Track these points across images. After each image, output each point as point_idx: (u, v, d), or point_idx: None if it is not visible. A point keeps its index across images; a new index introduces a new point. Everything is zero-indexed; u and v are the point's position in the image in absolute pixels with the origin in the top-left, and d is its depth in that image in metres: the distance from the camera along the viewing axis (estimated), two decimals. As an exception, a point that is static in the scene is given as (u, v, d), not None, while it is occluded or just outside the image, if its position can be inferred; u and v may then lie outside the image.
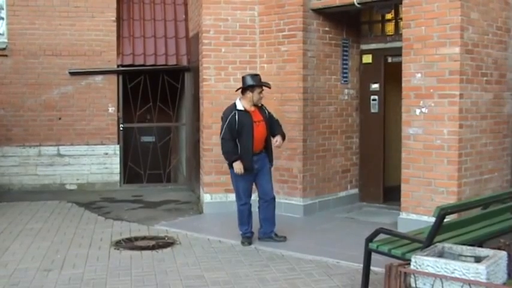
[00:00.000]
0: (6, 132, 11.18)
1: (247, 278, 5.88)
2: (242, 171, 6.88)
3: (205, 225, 8.20)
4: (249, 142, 6.92)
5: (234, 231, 7.28)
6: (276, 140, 7.13)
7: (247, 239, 7.09)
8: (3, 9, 11.41)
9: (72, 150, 11.24)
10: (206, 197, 8.94)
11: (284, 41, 8.68)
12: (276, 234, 7.17)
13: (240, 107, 6.99)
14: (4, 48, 11.18)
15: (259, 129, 6.99)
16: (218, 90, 8.87)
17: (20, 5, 11.20)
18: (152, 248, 7.01)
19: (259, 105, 7.12)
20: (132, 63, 11.52)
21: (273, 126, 7.18)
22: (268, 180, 7.14)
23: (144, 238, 7.53)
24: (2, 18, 11.46)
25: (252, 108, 7.04)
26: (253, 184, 7.13)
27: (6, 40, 11.24)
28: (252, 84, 6.99)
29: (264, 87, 7.11)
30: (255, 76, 7.16)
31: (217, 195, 8.87)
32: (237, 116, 6.90)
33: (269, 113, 7.23)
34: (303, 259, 6.48)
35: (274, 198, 7.19)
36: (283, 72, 8.71)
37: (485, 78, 7.40)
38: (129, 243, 7.27)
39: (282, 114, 8.52)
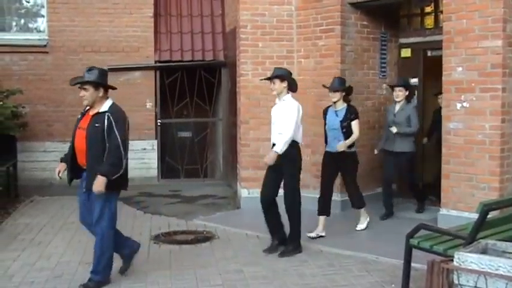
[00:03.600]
0: (48, 127, 11.38)
1: (286, 273, 5.88)
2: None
3: (243, 220, 8.23)
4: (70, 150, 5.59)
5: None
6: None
7: None
8: (43, 7, 11.61)
9: (110, 146, 11.36)
10: (243, 192, 8.97)
11: (321, 35, 8.63)
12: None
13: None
14: (45, 45, 11.38)
15: (79, 138, 5.49)
16: (255, 85, 8.87)
17: (60, 3, 11.38)
18: (191, 242, 7.07)
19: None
20: (170, 59, 11.61)
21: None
22: (92, 210, 5.46)
23: (182, 232, 7.60)
24: (43, 16, 11.67)
25: (90, 112, 5.53)
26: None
27: (46, 37, 11.44)
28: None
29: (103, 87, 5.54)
30: (104, 74, 5.68)
31: (255, 190, 8.83)
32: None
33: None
34: (341, 254, 6.46)
35: (100, 234, 5.46)
36: (321, 67, 8.66)
37: (528, 72, 7.24)
38: (168, 238, 7.34)
39: (319, 109, 8.45)
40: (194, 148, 11.97)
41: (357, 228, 7.50)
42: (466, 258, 3.96)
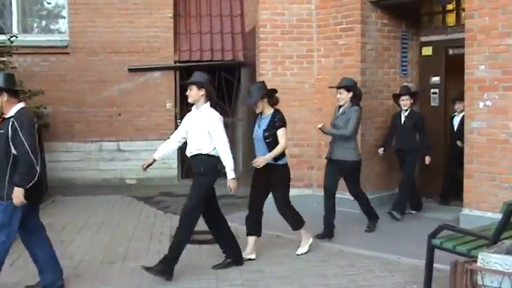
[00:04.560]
0: (69, 128, 11.48)
1: (306, 273, 5.86)
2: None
3: (264, 219, 8.16)
4: None
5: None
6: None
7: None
8: (64, 8, 11.72)
9: (131, 146, 11.46)
10: (264, 192, 8.93)
11: (342, 34, 8.59)
12: None
13: None
14: (66, 46, 11.48)
15: None
16: (275, 85, 8.79)
17: (81, 4, 11.47)
18: (211, 242, 7.03)
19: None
20: (189, 59, 11.65)
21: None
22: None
23: (203, 232, 7.55)
24: (64, 17, 11.78)
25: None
26: None
27: (67, 38, 11.55)
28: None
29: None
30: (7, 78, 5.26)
31: (275, 190, 8.84)
32: None
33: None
34: (362, 255, 6.41)
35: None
36: (341, 66, 8.62)
37: (552, 70, 7.13)
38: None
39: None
40: (214, 148, 11.96)
41: (297, 253, 6.50)
42: (490, 259, 3.90)
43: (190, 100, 5.95)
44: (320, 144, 8.72)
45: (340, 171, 7.15)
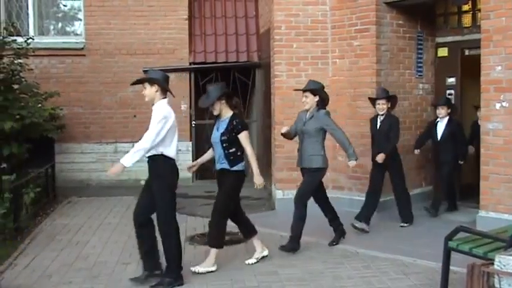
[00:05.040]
0: (85, 129, 11.56)
1: (322, 275, 5.84)
2: None
3: (278, 221, 8.20)
4: None
5: (307, 227, 7.23)
6: None
7: None
8: (80, 10, 11.80)
9: (146, 147, 11.46)
10: (278, 194, 8.96)
11: (356, 35, 8.57)
12: None
13: None
14: (82, 48, 11.55)
15: None
16: (290, 86, 8.84)
17: (96, 6, 11.54)
18: (226, 243, 7.04)
19: None
20: (204, 61, 11.68)
21: None
22: None
23: (217, 234, 7.59)
24: (80, 19, 11.86)
25: None
26: None
27: (83, 40, 11.62)
28: None
29: None
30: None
31: (289, 191, 8.83)
32: None
33: None
34: (377, 257, 6.38)
35: None
36: (356, 67, 8.60)
37: None
38: (203, 239, 7.32)
39: (355, 109, 8.42)
40: (229, 149, 11.97)
41: (193, 270, 5.95)
42: (507, 262, 3.88)
43: (147, 99, 5.69)
44: (335, 145, 8.69)
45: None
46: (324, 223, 6.98)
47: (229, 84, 11.74)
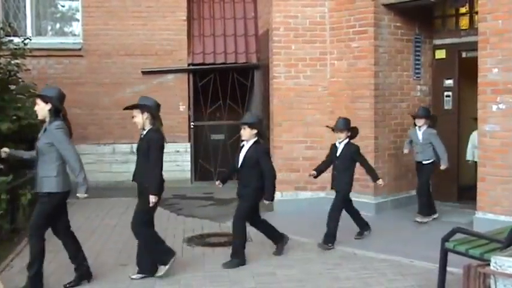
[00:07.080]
0: (82, 130, 11.51)
1: (320, 275, 5.86)
2: None
3: (276, 222, 8.12)
4: None
5: (305, 228, 7.28)
6: None
7: None
8: (78, 11, 11.80)
9: (144, 148, 11.47)
10: (276, 195, 8.93)
11: (355, 37, 8.59)
12: None
13: None
14: (79, 49, 11.55)
15: None
16: (288, 88, 8.87)
17: (94, 7, 11.52)
18: (224, 244, 7.07)
19: None
20: (203, 62, 11.68)
21: None
22: None
23: (215, 235, 7.62)
24: (78, 20, 11.86)
25: None
26: None
27: (81, 41, 11.61)
28: None
29: None
30: None
31: (288, 193, 8.87)
32: None
33: None
34: (375, 258, 6.40)
35: None
36: (354, 68, 8.62)
37: None
38: (202, 240, 7.38)
39: (353, 111, 8.44)
40: (227, 151, 12.00)
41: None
42: (503, 263, 3.90)
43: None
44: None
45: None
46: (322, 224, 6.99)
47: (228, 86, 11.77)
